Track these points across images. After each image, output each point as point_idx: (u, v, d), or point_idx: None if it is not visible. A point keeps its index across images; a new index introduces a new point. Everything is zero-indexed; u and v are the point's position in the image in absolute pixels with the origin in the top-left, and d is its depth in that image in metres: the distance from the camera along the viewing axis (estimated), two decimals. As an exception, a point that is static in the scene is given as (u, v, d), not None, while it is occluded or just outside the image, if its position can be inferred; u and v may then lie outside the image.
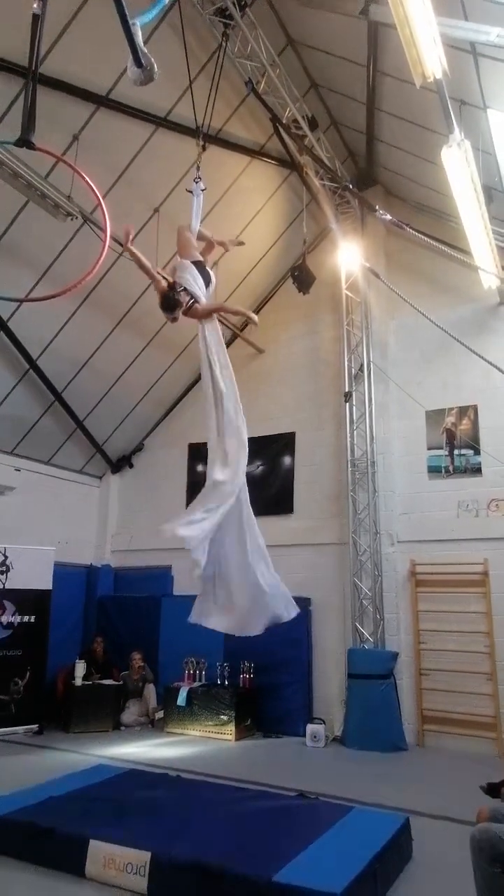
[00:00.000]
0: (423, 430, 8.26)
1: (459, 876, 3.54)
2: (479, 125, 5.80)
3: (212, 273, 5.02)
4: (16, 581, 7.86)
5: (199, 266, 4.91)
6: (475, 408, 8.00)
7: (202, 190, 5.24)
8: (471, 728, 7.15)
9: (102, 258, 3.08)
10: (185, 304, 4.61)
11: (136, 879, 3.59)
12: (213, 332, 4.74)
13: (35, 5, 2.84)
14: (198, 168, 5.36)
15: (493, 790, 3.43)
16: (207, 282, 4.91)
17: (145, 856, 3.63)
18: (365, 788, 5.54)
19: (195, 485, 9.87)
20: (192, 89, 6.04)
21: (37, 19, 2.85)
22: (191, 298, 4.65)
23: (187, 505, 9.68)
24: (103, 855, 3.74)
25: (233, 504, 4.42)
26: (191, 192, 5.24)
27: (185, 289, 4.66)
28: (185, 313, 4.68)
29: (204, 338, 4.69)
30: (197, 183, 5.24)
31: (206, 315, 4.75)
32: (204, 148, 5.70)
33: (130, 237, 4.72)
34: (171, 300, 4.60)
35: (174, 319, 4.69)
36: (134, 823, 4.09)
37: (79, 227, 6.82)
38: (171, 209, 7.59)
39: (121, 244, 6.95)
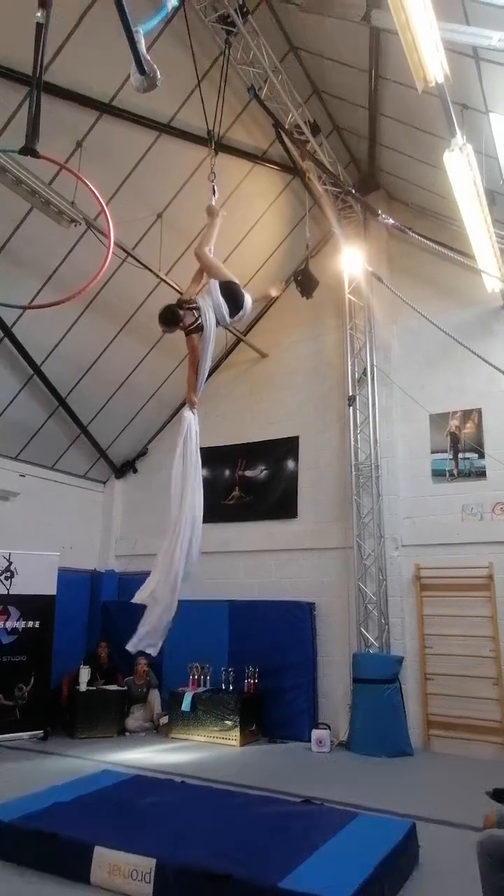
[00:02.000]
0: (427, 433, 8.25)
1: (466, 882, 3.52)
2: (481, 129, 5.81)
3: (248, 299, 4.59)
4: (20, 586, 7.86)
5: (229, 288, 4.51)
6: (479, 411, 7.98)
7: (215, 198, 5.21)
8: (477, 733, 7.12)
9: (106, 265, 3.09)
10: (187, 324, 4.36)
11: (141, 886, 3.58)
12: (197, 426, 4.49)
13: (38, 13, 2.86)
14: (213, 173, 5.35)
15: (499, 795, 3.42)
16: (235, 309, 4.49)
17: (150, 862, 3.62)
18: (371, 794, 5.52)
19: (199, 489, 9.87)
20: (201, 96, 6.06)
21: (40, 28, 2.86)
22: (197, 320, 4.38)
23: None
24: (108, 861, 3.73)
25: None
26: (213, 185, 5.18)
27: (196, 307, 4.40)
28: (188, 334, 4.43)
29: (191, 431, 4.44)
30: (213, 194, 5.18)
31: (193, 349, 4.44)
32: (216, 153, 5.71)
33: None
34: (170, 314, 4.38)
35: (170, 331, 4.51)
36: (139, 830, 4.08)
37: (82, 233, 6.85)
38: (174, 215, 7.62)
39: (125, 250, 7.03)
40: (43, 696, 7.79)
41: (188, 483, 4.33)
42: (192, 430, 4.47)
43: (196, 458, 4.44)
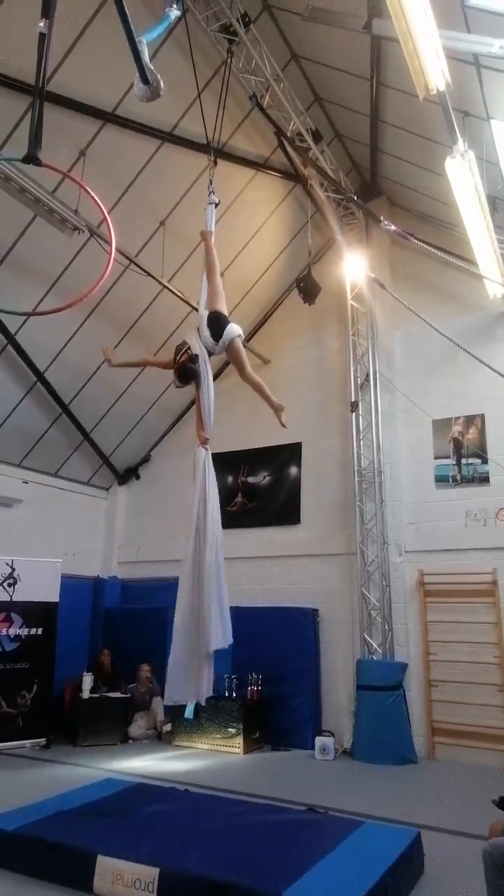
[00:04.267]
0: (430, 439, 8.25)
1: (472, 891, 3.50)
2: (482, 136, 5.83)
3: (232, 328, 4.66)
4: (23, 593, 7.86)
5: (215, 317, 4.64)
6: (482, 416, 7.98)
7: (215, 204, 5.22)
8: (482, 740, 7.07)
9: (108, 272, 3.09)
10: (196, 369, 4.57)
11: (144, 895, 3.56)
12: (210, 461, 4.54)
13: (41, 24, 2.88)
14: (212, 188, 5.38)
15: (505, 804, 3.39)
16: (216, 336, 4.60)
17: (154, 871, 3.59)
18: (375, 802, 5.49)
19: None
20: (201, 105, 6.10)
21: (43, 38, 2.88)
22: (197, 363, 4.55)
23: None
24: (111, 870, 3.70)
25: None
26: (215, 203, 5.22)
27: (189, 346, 4.56)
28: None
29: (204, 465, 4.48)
30: (211, 201, 5.23)
31: (198, 385, 4.64)
32: (215, 163, 5.74)
33: (111, 361, 4.82)
34: (184, 372, 4.52)
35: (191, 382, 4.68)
36: (142, 838, 4.06)
37: (85, 240, 6.87)
38: (176, 222, 7.66)
39: (127, 257, 7.06)
40: (45, 703, 7.77)
41: (209, 518, 4.35)
42: (206, 468, 4.49)
43: (214, 496, 4.45)
